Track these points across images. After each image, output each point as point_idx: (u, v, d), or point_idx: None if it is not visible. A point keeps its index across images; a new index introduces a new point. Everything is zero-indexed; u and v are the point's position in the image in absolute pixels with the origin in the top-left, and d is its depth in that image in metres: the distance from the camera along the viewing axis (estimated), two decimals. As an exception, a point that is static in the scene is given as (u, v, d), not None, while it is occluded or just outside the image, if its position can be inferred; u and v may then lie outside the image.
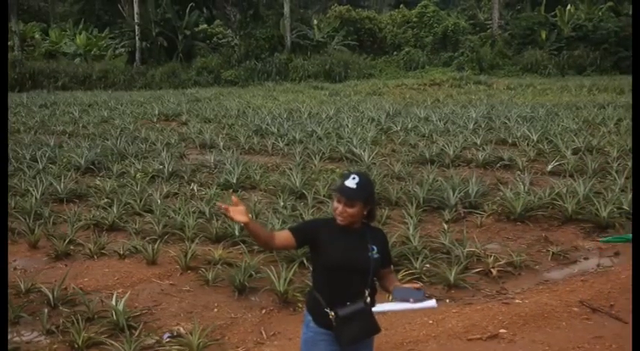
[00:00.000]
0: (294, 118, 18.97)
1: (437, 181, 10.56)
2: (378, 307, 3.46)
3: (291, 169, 11.82)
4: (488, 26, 41.18)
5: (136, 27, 40.04)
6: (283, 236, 3.52)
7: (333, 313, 3.42)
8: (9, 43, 46.29)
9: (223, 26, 44.98)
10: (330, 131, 16.13)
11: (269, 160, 13.48)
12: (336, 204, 3.47)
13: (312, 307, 3.57)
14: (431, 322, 5.81)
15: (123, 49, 44.20)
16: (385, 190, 10.14)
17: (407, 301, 3.38)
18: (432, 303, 3.44)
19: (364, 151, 13.05)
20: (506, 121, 16.78)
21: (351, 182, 3.42)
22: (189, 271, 7.25)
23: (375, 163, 12.40)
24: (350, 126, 16.70)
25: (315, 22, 41.85)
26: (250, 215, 3.37)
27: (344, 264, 3.44)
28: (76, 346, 5.34)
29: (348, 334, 3.40)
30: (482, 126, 16.25)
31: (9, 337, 5.45)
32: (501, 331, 5.60)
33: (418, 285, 3.45)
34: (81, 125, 19.15)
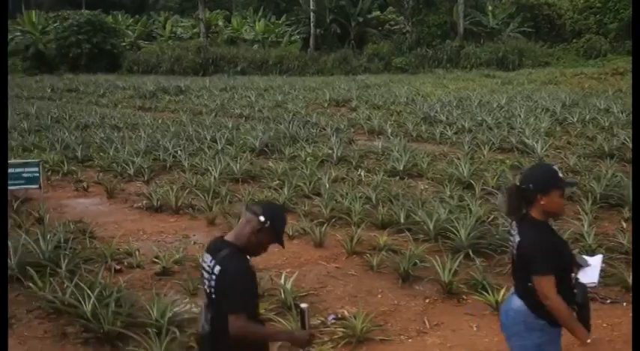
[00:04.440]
0: (464, 107, 18.63)
1: (616, 176, 9.93)
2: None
3: (459, 158, 11.64)
4: (682, 11, 37.85)
5: (311, 14, 41.06)
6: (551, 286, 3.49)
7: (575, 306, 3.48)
8: (195, 30, 49.43)
9: (396, 13, 44.99)
10: (501, 121, 15.67)
11: (436, 149, 13.36)
12: (561, 200, 3.48)
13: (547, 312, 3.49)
14: (605, 325, 5.51)
15: (298, 36, 45.60)
16: (559, 184, 9.69)
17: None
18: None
19: (537, 142, 12.55)
20: (700, 115, 15.39)
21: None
22: (354, 256, 7.38)
23: (547, 156, 11.91)
24: (522, 116, 16.13)
25: (490, 8, 40.67)
26: None
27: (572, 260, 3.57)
28: (247, 320, 5.61)
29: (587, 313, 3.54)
30: (671, 119, 15.03)
31: (187, 307, 5.84)
32: (684, 342, 5.19)
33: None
34: (256, 109, 20.02)
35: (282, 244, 3.28)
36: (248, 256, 3.25)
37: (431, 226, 7.77)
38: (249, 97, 22.81)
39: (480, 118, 16.06)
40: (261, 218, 3.22)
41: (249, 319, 3.17)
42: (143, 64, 42.99)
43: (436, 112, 17.42)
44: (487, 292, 5.93)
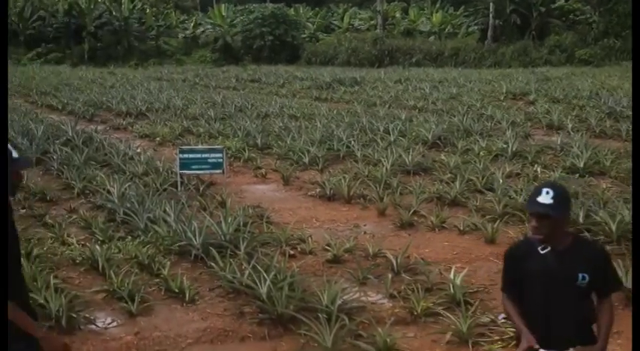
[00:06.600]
0: (656, 102, 17.30)
1: None
2: None
3: (647, 157, 10.83)
4: None
5: (491, 4, 39.99)
6: None
7: None
8: (372, 22, 49.99)
9: (582, 2, 42.69)
10: (699, 118, 14.39)
11: (622, 146, 12.54)
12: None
13: None
14: None
15: (475, 27, 44.64)
16: None
17: None
18: None
19: None
20: None
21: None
22: (527, 255, 7.13)
23: None
24: None
25: (692, -7, 37.36)
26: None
27: None
28: (415, 313, 5.63)
29: None
30: None
31: (357, 295, 5.96)
32: None
33: None
34: (430, 101, 19.89)
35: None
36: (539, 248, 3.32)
37: (613, 228, 7.33)
38: (423, 89, 22.71)
39: (674, 114, 14.88)
40: None
41: (507, 299, 3.48)
42: (321, 56, 44.18)
43: (623, 106, 16.35)
44: (675, 302, 5.51)
